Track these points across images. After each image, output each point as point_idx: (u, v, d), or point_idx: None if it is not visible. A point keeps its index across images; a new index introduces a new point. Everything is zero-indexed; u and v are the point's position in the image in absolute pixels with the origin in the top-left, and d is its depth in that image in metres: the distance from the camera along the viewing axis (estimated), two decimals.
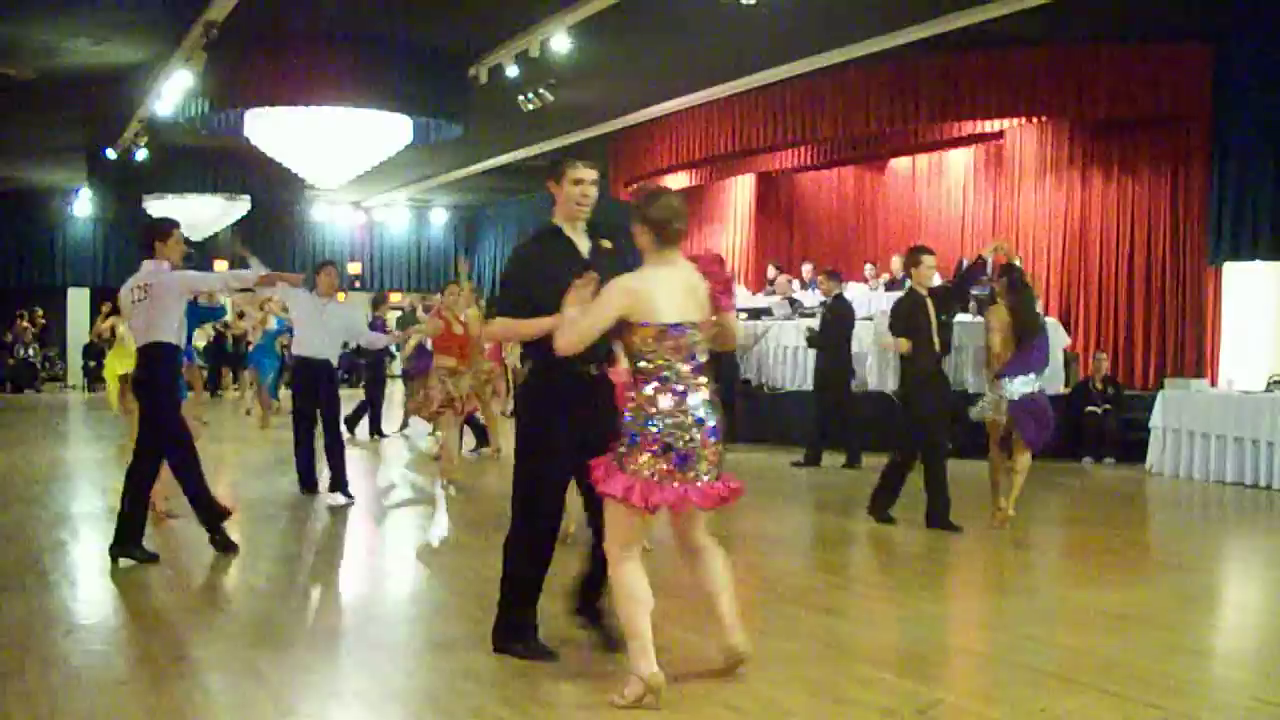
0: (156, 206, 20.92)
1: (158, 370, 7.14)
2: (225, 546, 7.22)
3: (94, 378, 25.42)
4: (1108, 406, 12.82)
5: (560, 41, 12.39)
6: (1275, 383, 11.48)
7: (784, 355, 14.56)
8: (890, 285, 15.95)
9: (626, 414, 4.34)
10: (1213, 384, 12.54)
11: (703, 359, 4.42)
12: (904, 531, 8.20)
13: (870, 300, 15.99)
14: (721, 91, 15.75)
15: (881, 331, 8.27)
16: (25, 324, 25.75)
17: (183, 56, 13.14)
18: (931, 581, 6.93)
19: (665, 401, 4.30)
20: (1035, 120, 14.66)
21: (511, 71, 13.43)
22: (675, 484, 4.29)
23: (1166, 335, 13.88)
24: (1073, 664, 4.91)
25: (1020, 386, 8.04)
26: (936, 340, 8.17)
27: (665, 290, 4.35)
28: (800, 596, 6.18)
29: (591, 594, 5.04)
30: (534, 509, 4.82)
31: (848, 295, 16.24)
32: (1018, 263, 9.30)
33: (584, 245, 4.83)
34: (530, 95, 13.85)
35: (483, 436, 13.03)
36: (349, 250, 28.68)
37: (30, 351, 25.66)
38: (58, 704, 4.34)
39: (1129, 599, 6.22)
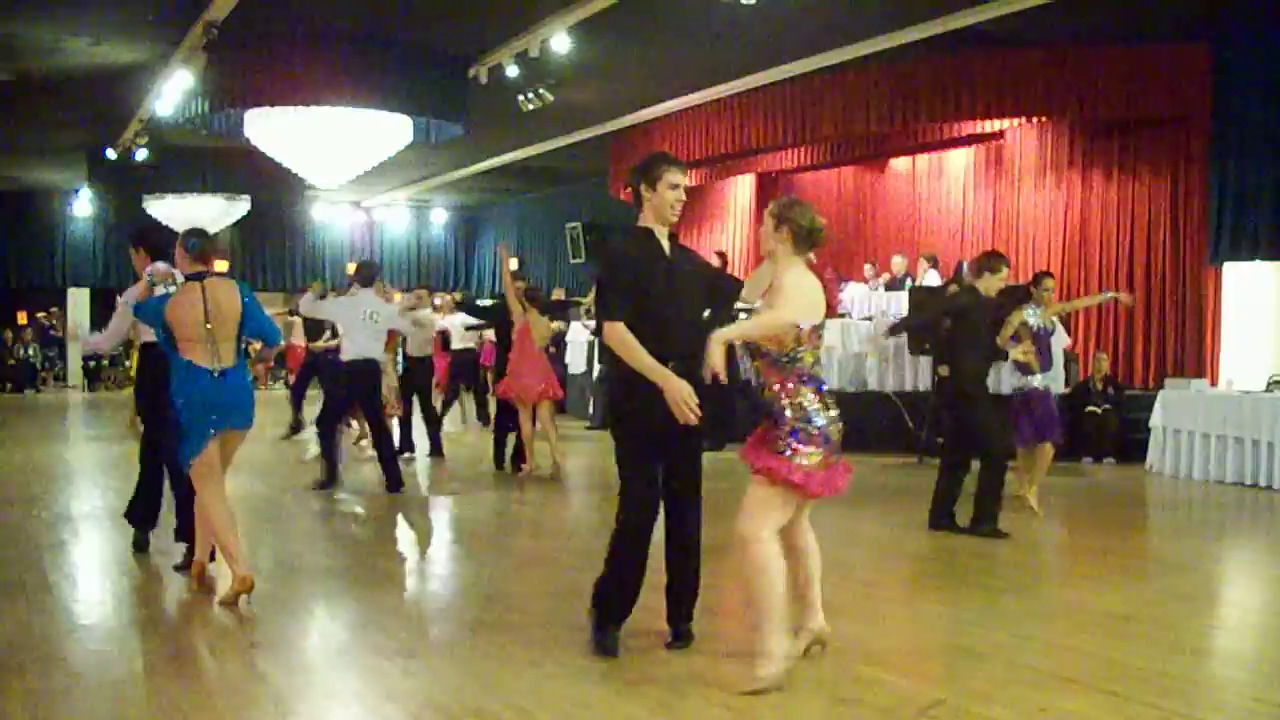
0: (156, 206, 20.91)
1: (143, 371, 7.16)
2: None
3: (94, 378, 25.46)
4: (1108, 406, 12.82)
5: (560, 41, 12.39)
6: (1275, 383, 11.49)
7: None
8: (890, 285, 15.94)
9: (784, 410, 4.52)
10: (1213, 384, 12.54)
11: None
12: (904, 532, 8.20)
13: (870, 300, 15.99)
14: (721, 91, 15.74)
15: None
16: (31, 323, 25.78)
17: (182, 56, 13.15)
18: (932, 581, 6.93)
19: (828, 399, 4.61)
20: (1035, 120, 14.65)
21: (511, 71, 13.42)
22: (839, 468, 4.63)
23: (1166, 335, 13.88)
24: (1073, 664, 4.91)
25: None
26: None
27: (817, 290, 4.63)
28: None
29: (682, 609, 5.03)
30: (628, 499, 4.83)
31: (848, 295, 16.32)
32: (1049, 287, 9.56)
33: (667, 246, 4.93)
34: (530, 95, 13.84)
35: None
36: (349, 250, 28.65)
37: (30, 351, 25.65)
38: (58, 704, 4.34)
39: (1129, 599, 6.22)
